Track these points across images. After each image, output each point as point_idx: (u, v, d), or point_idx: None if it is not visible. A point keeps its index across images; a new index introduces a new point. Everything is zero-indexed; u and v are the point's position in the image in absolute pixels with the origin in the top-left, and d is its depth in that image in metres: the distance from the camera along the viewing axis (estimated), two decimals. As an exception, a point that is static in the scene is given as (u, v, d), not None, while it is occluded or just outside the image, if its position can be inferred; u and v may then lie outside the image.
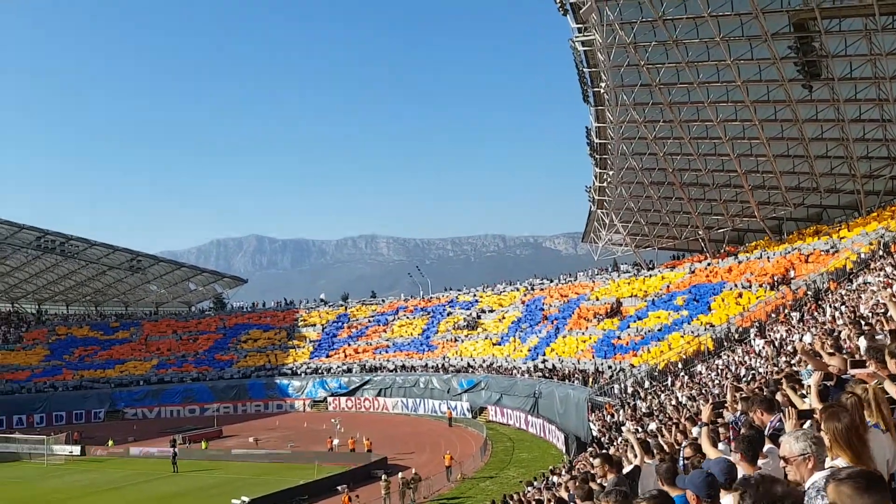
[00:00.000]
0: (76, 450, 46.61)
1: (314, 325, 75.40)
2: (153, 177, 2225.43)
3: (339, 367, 65.47)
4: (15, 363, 67.80)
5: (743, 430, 5.62)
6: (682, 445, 7.82)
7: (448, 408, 53.38)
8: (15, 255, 69.34)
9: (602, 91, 40.71)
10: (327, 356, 68.20)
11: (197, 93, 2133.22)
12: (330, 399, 62.70)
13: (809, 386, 6.30)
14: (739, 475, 4.64)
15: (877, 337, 8.27)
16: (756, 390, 10.77)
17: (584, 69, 39.96)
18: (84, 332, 75.81)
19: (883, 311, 15.88)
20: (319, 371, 65.98)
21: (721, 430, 7.46)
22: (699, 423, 8.91)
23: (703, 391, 25.32)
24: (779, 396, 6.81)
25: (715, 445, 6.12)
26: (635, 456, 8.35)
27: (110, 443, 47.30)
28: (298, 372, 66.75)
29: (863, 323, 14.62)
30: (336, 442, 42.60)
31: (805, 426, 4.89)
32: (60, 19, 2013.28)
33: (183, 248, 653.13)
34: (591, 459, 17.52)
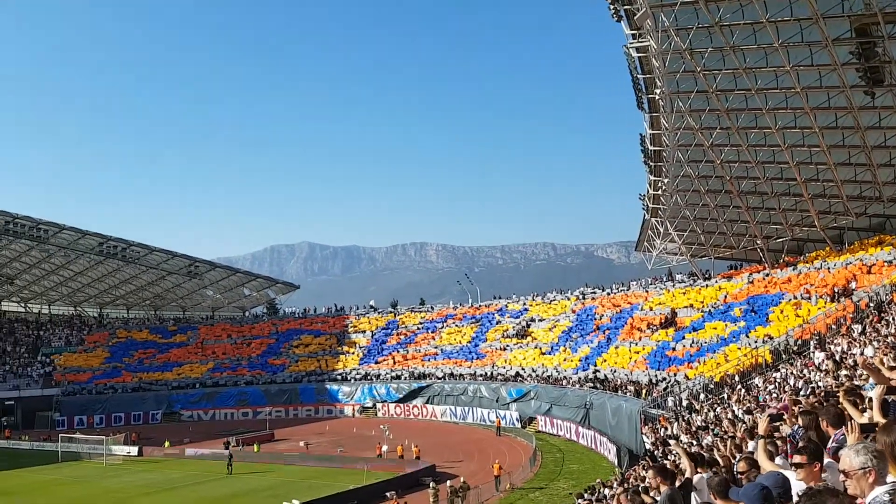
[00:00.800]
0: (134, 450, 47.95)
1: (364, 331, 76.09)
2: (211, 185, 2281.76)
3: (387, 373, 65.91)
4: (77, 365, 70.20)
5: (802, 442, 5.48)
6: (737, 459, 7.65)
7: (497, 416, 53.19)
8: (78, 260, 71.81)
9: (657, 97, 40.15)
10: (376, 362, 68.74)
11: (251, 102, 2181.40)
12: (379, 405, 63.13)
13: (871, 399, 6.12)
14: (794, 490, 4.53)
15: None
16: (817, 404, 10.46)
17: (639, 75, 39.48)
18: (143, 335, 78.06)
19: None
20: (369, 377, 66.55)
21: (778, 443, 7.27)
22: (756, 435, 8.71)
23: (761, 404, 24.66)
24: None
25: (772, 459, 5.98)
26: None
27: (167, 444, 48.52)
28: (348, 378, 67.43)
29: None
30: (385, 448, 42.83)
31: (868, 440, 4.75)
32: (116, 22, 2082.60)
33: (238, 254, 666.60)
34: (644, 472, 17.24)
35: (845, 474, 3.40)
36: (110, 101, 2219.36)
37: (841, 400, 6.82)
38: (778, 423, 9.28)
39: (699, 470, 7.94)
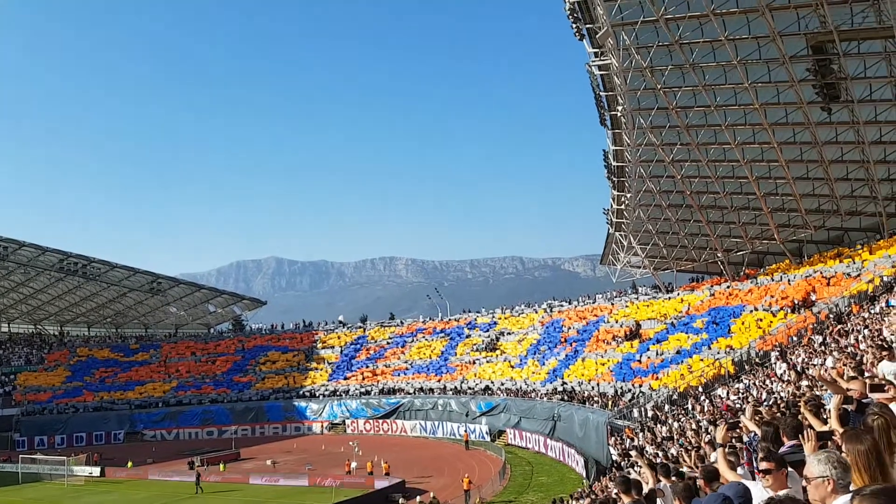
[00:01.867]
0: (96, 471, 46.87)
1: (333, 347, 75.54)
2: (174, 199, 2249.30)
3: (357, 388, 65.50)
4: (37, 384, 68.47)
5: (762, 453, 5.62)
6: (699, 470, 7.80)
7: (465, 430, 53.16)
8: (38, 277, 70.24)
9: (619, 114, 40.86)
10: (345, 378, 68.24)
11: (219, 114, 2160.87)
12: (348, 422, 62.67)
13: (830, 409, 6.30)
14: (755, 500, 4.66)
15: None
16: (779, 414, 10.70)
17: (601, 93, 40.17)
18: (105, 353, 76.48)
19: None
20: (338, 393, 66.03)
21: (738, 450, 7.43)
22: (714, 444, 8.89)
23: (724, 415, 25.04)
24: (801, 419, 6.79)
25: (733, 468, 6.13)
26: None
27: (129, 464, 47.53)
28: (317, 394, 66.82)
29: (885, 347, 14.47)
30: (354, 465, 42.53)
31: (824, 449, 4.89)
32: (58, 45, 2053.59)
33: (203, 270, 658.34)
34: (610, 483, 17.40)
35: (807, 480, 3.48)
36: (68, 114, 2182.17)
37: (802, 409, 7.01)
38: (737, 432, 9.48)
39: (663, 480, 8.07)
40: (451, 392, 59.81)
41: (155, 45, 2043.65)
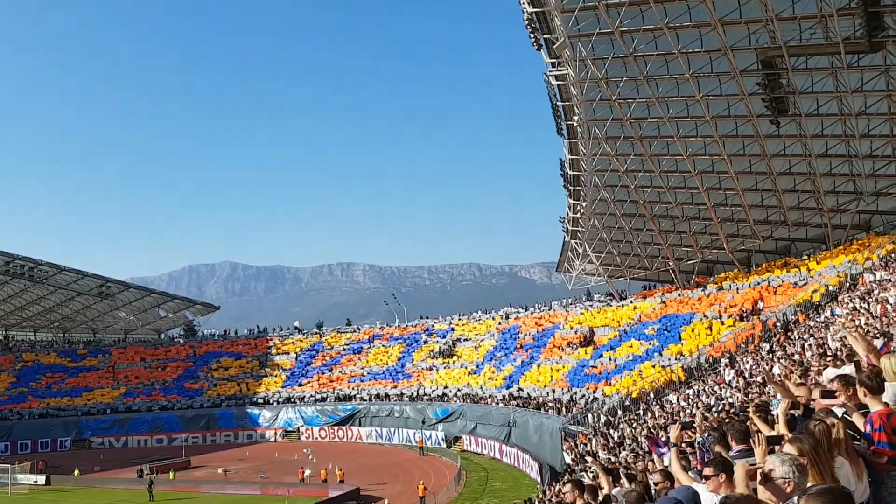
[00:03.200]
0: (41, 479, 45.50)
1: (288, 353, 74.69)
2: (125, 201, 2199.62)
3: (312, 395, 64.85)
4: (-21, 391, 66.20)
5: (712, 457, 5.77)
6: (652, 473, 7.96)
7: (420, 437, 53.07)
8: (-19, 280, 68.08)
9: (575, 124, 41.38)
10: (300, 385, 67.54)
11: (172, 114, 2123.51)
12: (302, 429, 62.01)
13: (778, 415, 6.49)
14: (704, 502, 4.78)
15: (843, 368, 8.52)
16: (727, 419, 10.97)
17: (558, 102, 40.63)
18: (51, 359, 74.35)
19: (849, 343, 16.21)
20: (292, 400, 65.28)
21: (689, 452, 7.60)
22: (668, 444, 9.07)
23: (675, 420, 25.50)
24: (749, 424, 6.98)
25: (686, 470, 6.27)
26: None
27: (76, 472, 46.25)
28: (271, 401, 65.96)
29: (829, 355, 14.95)
30: (308, 472, 42.08)
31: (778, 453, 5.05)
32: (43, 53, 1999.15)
33: (155, 274, 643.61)
34: (561, 486, 17.55)
35: (766, 479, 3.58)
36: (10, 112, 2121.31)
37: (751, 415, 7.21)
38: (689, 432, 9.69)
39: (617, 485, 8.20)
40: (407, 398, 59.68)
41: (101, 41, 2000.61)
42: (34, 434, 60.85)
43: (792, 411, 6.32)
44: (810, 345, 23.59)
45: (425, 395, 58.92)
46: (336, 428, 60.55)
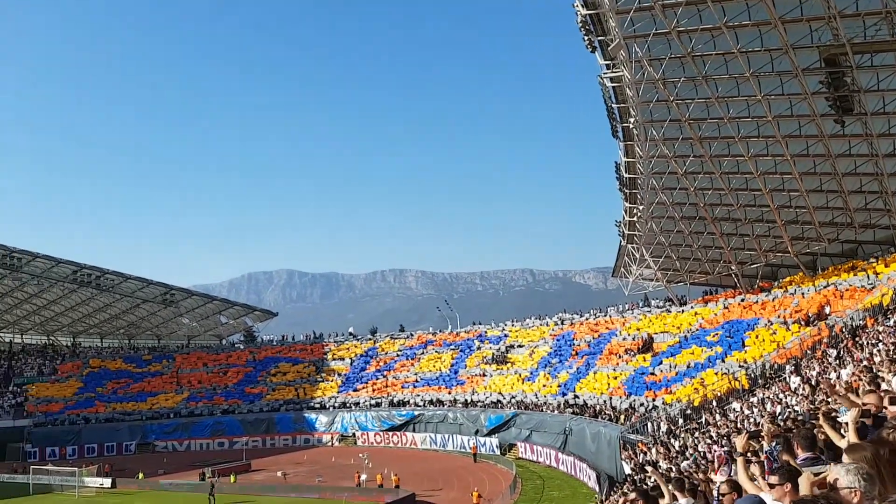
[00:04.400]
0: (107, 482, 46.95)
1: (343, 358, 75.56)
2: (188, 212, 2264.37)
3: (366, 401, 65.43)
4: (49, 395, 68.80)
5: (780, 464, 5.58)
6: (719, 482, 7.74)
7: (474, 443, 52.93)
8: (51, 288, 70.64)
9: (631, 126, 40.82)
10: (355, 390, 68.22)
11: (230, 126, 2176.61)
12: (358, 434, 62.57)
13: (847, 423, 6.24)
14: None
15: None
16: (793, 428, 10.61)
17: (613, 105, 40.14)
18: (117, 364, 76.82)
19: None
20: (347, 405, 65.98)
21: (759, 462, 7.37)
22: (734, 454, 8.81)
23: (739, 429, 24.83)
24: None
25: (752, 479, 6.08)
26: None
27: (141, 475, 47.59)
28: (327, 406, 66.80)
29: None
30: (364, 477, 42.39)
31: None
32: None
33: (215, 281, 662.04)
34: (628, 495, 17.25)
35: (832, 489, 3.46)
36: (80, 125, 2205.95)
37: (821, 422, 6.95)
38: (756, 441, 9.40)
39: (679, 495, 8.00)
40: (461, 405, 59.65)
41: (167, 54, 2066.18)
42: (101, 438, 62.88)
43: (863, 419, 6.07)
44: (879, 350, 22.70)
45: (479, 401, 58.79)
46: (391, 433, 60.90)
